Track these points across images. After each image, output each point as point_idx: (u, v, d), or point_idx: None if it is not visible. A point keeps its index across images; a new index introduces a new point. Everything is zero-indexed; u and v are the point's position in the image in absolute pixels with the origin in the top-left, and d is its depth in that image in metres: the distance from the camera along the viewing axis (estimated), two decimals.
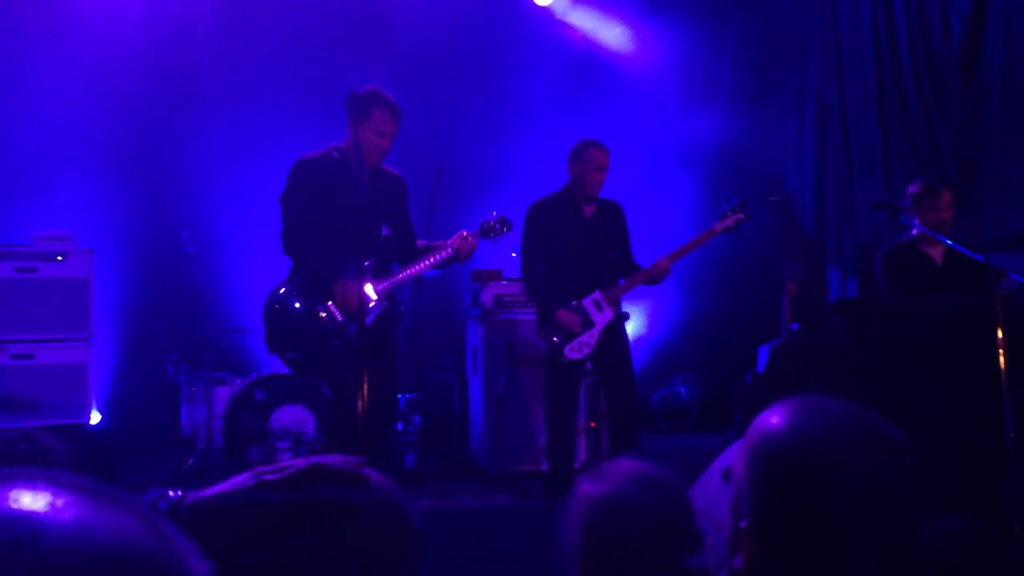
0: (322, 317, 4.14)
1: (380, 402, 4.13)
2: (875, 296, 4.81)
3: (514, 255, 6.86)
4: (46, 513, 0.52)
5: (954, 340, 3.81)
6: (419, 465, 6.07)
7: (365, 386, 3.69)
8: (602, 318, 4.98)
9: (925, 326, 3.89)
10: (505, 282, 6.41)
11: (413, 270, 4.32)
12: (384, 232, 4.26)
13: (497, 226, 4.46)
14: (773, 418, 1.09)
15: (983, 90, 6.16)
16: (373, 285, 4.19)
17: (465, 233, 4.40)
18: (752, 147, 7.81)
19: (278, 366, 6.46)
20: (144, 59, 6.93)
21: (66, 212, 6.39)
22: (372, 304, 4.18)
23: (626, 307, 5.20)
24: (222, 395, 6.09)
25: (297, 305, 4.16)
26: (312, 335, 4.14)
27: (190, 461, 5.99)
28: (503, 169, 7.76)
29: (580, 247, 5.04)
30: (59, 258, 5.73)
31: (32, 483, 0.54)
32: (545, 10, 8.12)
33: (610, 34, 8.31)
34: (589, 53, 8.25)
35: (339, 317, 4.14)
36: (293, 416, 5.89)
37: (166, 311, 6.61)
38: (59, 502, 0.53)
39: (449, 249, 4.36)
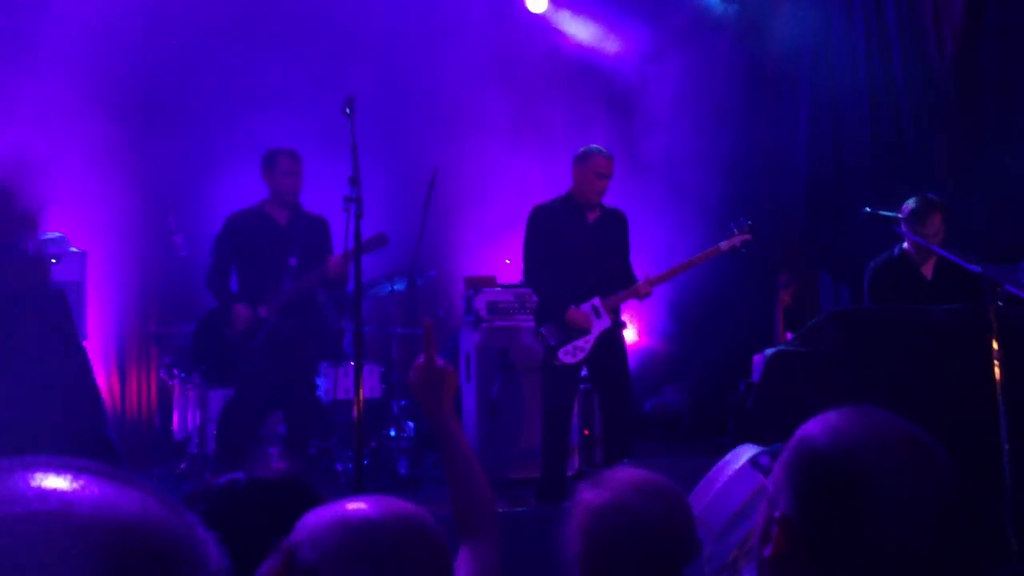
0: (225, 335, 5.08)
1: (292, 404, 5.15)
2: (870, 306, 4.83)
3: (508, 262, 6.89)
4: (73, 490, 0.56)
5: (949, 351, 3.83)
6: (412, 471, 6.06)
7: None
8: (599, 325, 5.00)
9: (920, 337, 3.91)
10: (499, 288, 6.42)
11: (296, 289, 5.09)
12: (292, 263, 5.12)
13: (373, 242, 4.97)
14: (817, 424, 1.13)
15: (977, 101, 6.20)
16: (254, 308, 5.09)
17: (336, 256, 5.03)
18: (745, 157, 7.84)
19: None
20: (139, 63, 6.92)
21: (61, 215, 6.36)
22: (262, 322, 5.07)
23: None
24: (216, 399, 6.08)
25: (208, 328, 5.18)
26: (217, 349, 5.12)
27: (182, 466, 5.97)
28: (498, 175, 7.78)
29: (581, 253, 5.06)
30: (53, 260, 5.70)
31: (55, 467, 0.58)
32: (540, 17, 8.15)
33: (605, 43, 8.34)
34: (585, 62, 8.28)
35: (233, 333, 5.07)
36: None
37: (160, 315, 6.61)
38: (82, 481, 0.57)
39: (324, 271, 5.04)
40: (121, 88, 6.86)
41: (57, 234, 5.89)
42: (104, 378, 6.80)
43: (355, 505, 1.11)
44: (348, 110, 4.19)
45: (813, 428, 1.13)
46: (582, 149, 5.18)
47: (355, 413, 3.82)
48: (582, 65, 8.28)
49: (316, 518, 1.09)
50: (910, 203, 4.81)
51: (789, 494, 1.10)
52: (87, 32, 6.70)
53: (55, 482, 0.56)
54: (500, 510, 4.99)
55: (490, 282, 6.53)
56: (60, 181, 6.52)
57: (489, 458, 6.01)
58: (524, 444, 5.99)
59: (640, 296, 5.07)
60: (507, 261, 6.71)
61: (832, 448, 1.08)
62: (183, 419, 6.30)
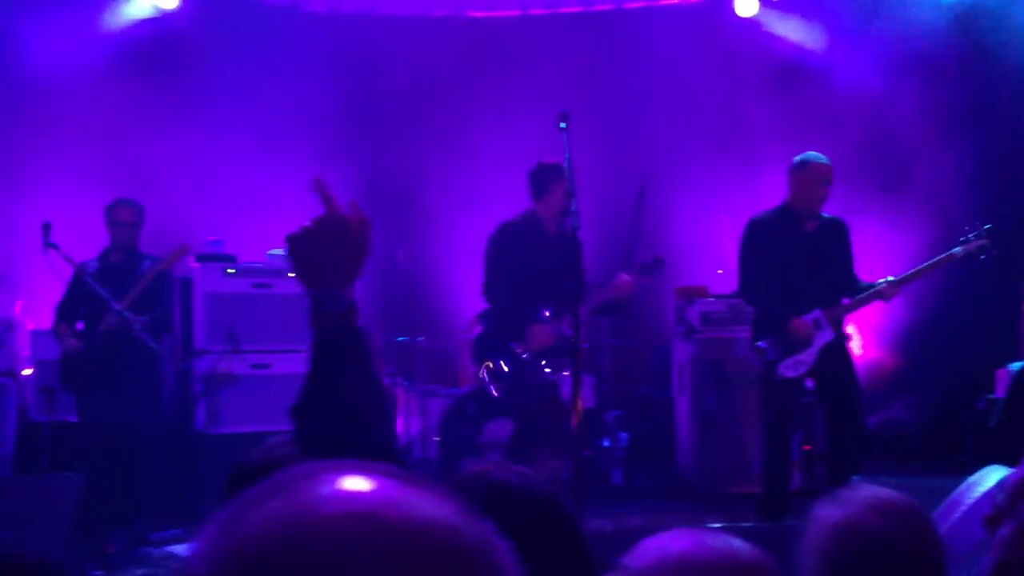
0: (512, 348, 5.09)
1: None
2: None
3: (720, 272, 6.76)
4: (380, 493, 0.57)
5: None
6: (627, 482, 6.07)
7: None
8: (821, 337, 4.81)
9: None
10: (712, 299, 6.32)
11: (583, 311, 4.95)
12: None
13: (652, 264, 5.05)
14: None
15: None
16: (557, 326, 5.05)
17: (625, 277, 4.95)
18: (980, 158, 7.30)
19: None
20: (375, 86, 7.35)
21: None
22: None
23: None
24: (435, 406, 6.33)
25: (494, 336, 5.20)
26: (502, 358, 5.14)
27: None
28: (707, 184, 7.66)
29: (801, 264, 4.89)
30: (291, 274, 6.12)
31: (362, 470, 0.59)
32: (750, 21, 7.92)
33: (819, 45, 8.00)
34: (798, 65, 7.97)
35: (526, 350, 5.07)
36: (506, 429, 6.02)
37: (383, 325, 6.97)
38: (388, 485, 0.58)
39: (609, 292, 5.00)
40: (347, 113, 7.32)
41: None
42: None
43: (697, 541, 1.11)
44: (563, 124, 4.25)
45: None
46: (799, 157, 5.02)
47: (574, 423, 3.87)
48: (794, 68, 7.98)
49: (657, 546, 1.11)
50: None
51: None
52: (325, 55, 7.19)
53: (363, 485, 0.58)
54: (719, 524, 4.91)
55: (703, 292, 6.43)
56: (298, 201, 7.05)
57: (706, 472, 5.92)
58: (741, 458, 5.85)
59: (886, 298, 4.85)
60: (719, 271, 6.59)
61: None
62: (406, 425, 6.61)
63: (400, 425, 6.70)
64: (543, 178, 5.12)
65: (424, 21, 7.68)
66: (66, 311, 5.16)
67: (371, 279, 7.29)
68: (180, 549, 4.91)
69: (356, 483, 0.58)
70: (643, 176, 5.81)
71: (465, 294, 6.58)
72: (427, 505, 0.58)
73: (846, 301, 4.92)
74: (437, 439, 6.17)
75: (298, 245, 1.46)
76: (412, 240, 6.94)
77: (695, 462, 6.00)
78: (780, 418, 4.91)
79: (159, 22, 7.03)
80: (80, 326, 5.12)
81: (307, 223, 1.44)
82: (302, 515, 0.55)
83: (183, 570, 0.57)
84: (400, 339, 6.66)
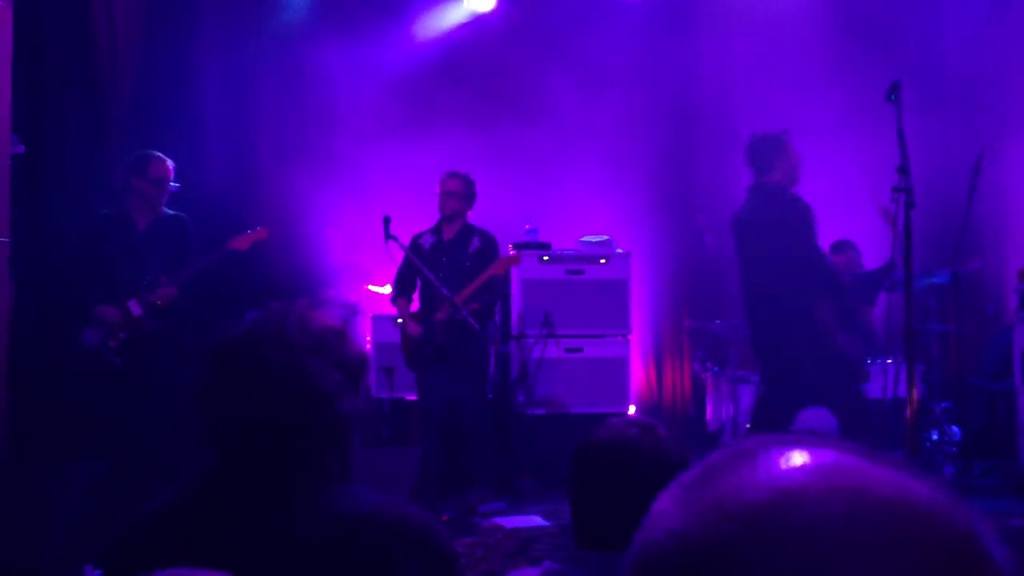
0: None
1: None
2: None
3: None
4: (868, 469, 0.55)
5: None
6: (960, 479, 5.61)
7: None
8: None
9: None
10: None
11: None
12: None
13: None
14: None
15: None
16: None
17: None
18: None
19: None
20: (675, 86, 7.34)
21: (609, 218, 7.00)
22: None
23: None
24: (747, 393, 6.22)
25: None
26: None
27: None
28: None
29: None
30: (602, 261, 6.30)
31: (845, 447, 0.57)
32: None
33: None
34: None
35: None
36: (818, 418, 5.80)
37: (692, 310, 6.94)
38: (871, 462, 0.56)
39: None
40: (659, 109, 7.35)
41: (604, 237, 6.49)
42: (643, 369, 7.34)
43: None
44: (893, 96, 4.03)
45: None
46: None
47: (908, 413, 3.65)
48: None
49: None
50: None
51: None
52: (634, 59, 7.28)
53: (844, 460, 0.56)
54: None
55: None
56: (605, 190, 7.19)
57: None
58: None
59: None
60: None
61: None
62: (716, 410, 6.55)
63: (710, 411, 6.66)
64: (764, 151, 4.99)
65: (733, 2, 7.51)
66: (402, 284, 5.60)
67: (681, 265, 7.30)
68: (505, 521, 5.21)
69: (834, 458, 0.56)
70: (980, 147, 5.32)
71: None
72: (915, 486, 0.55)
73: None
74: (748, 426, 6.06)
75: None
76: (722, 225, 6.85)
77: None
78: None
79: (472, 25, 7.42)
80: (415, 306, 5.54)
81: None
82: (782, 484, 0.54)
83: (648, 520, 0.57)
84: (711, 325, 6.61)
